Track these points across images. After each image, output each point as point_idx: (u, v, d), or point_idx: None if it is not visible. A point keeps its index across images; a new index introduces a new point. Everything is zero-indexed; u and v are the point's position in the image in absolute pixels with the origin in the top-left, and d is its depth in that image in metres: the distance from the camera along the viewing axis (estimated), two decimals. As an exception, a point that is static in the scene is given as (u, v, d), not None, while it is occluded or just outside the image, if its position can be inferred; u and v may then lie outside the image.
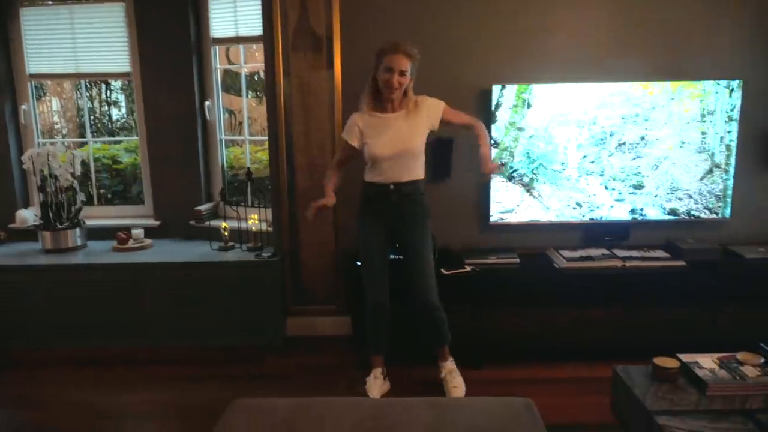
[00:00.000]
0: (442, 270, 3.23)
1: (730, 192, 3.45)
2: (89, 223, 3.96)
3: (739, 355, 2.29)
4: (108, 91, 5.51)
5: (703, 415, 1.98)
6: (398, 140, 2.75)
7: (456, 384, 2.90)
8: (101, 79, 4.83)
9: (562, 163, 3.41)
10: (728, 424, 1.92)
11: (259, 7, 3.44)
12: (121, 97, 5.43)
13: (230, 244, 3.70)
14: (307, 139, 3.47)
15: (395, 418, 1.91)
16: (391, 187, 2.79)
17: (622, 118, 3.37)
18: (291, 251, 3.57)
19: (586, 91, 3.35)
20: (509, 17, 3.41)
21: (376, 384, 2.93)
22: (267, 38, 3.39)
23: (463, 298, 3.16)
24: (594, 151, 3.40)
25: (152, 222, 4.03)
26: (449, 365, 2.96)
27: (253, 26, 3.69)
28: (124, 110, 5.41)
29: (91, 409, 2.92)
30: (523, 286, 3.23)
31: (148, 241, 3.82)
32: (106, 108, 5.62)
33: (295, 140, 3.47)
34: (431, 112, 2.81)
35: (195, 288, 3.49)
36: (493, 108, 3.34)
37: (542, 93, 3.33)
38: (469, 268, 3.25)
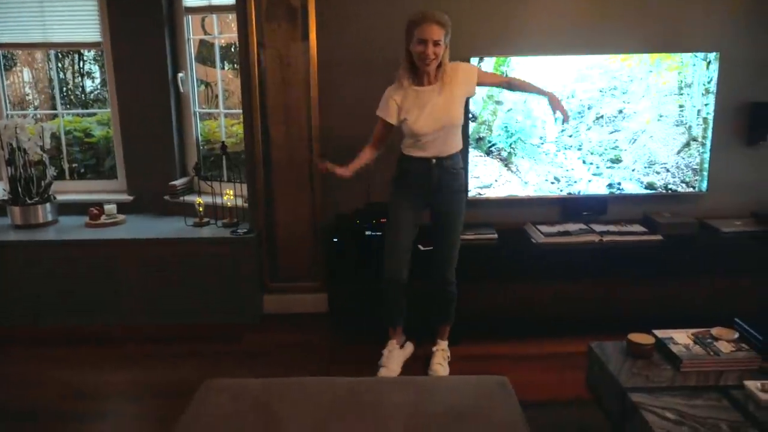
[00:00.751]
0: (420, 246, 3.20)
1: (706, 165, 3.45)
2: (60, 198, 3.86)
3: (714, 331, 2.30)
4: (81, 62, 5.35)
5: (677, 392, 1.99)
6: (438, 115, 2.66)
7: (440, 362, 2.93)
8: (71, 49, 4.68)
9: (541, 138, 3.38)
10: (702, 401, 1.93)
11: (232, -26, 3.33)
12: (95, 68, 5.28)
13: (205, 219, 3.63)
14: (282, 111, 3.40)
15: (370, 397, 1.90)
16: (433, 161, 2.71)
17: (600, 91, 3.34)
18: (267, 227, 3.52)
19: (564, 63, 3.31)
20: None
21: (392, 356, 2.93)
22: (240, 7, 3.29)
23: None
24: (572, 125, 3.37)
25: (125, 197, 3.95)
26: (444, 344, 2.99)
27: (227, -5, 3.58)
28: (98, 81, 5.27)
29: (68, 388, 2.87)
30: (501, 261, 3.22)
31: (120, 217, 3.74)
32: (80, 79, 5.46)
33: (271, 113, 3.40)
34: (467, 77, 2.72)
35: (169, 265, 3.43)
36: (471, 81, 3.29)
37: (520, 66, 3.28)
38: (446, 244, 3.22)
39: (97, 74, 5.24)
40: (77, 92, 5.38)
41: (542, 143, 3.39)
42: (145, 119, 3.85)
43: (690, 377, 2.09)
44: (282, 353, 3.18)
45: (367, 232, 3.21)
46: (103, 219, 3.68)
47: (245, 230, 3.48)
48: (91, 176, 4.36)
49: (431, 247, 2.97)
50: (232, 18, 3.85)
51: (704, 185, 3.48)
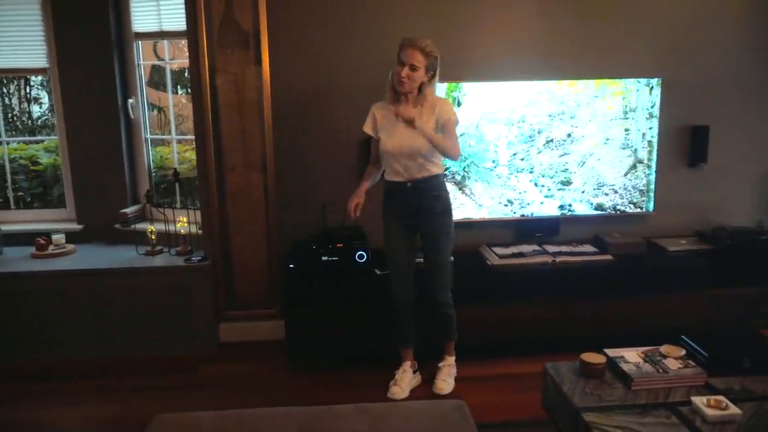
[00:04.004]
0: (376, 270, 3.21)
1: (652, 186, 3.57)
2: (5, 228, 3.73)
3: (663, 348, 2.37)
4: (27, 87, 5.22)
5: (628, 410, 2.03)
6: (406, 137, 2.71)
7: (445, 378, 2.97)
8: (16, 75, 4.56)
9: (493, 161, 3.44)
10: (652, 418, 1.97)
11: (183, 0, 3.31)
12: (43, 94, 5.15)
13: (158, 248, 3.55)
14: (236, 136, 3.37)
15: (327, 427, 1.88)
16: (408, 185, 2.76)
17: (549, 115, 3.44)
18: (222, 255, 3.46)
19: (514, 89, 3.39)
20: (441, 16, 3.41)
21: (405, 378, 2.96)
22: (191, 33, 3.27)
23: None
24: (523, 149, 3.45)
25: (74, 226, 3.82)
26: (449, 360, 3.03)
27: (178, 21, 3.55)
28: (45, 107, 5.14)
29: (12, 428, 2.75)
30: (457, 283, 3.23)
31: (69, 247, 3.63)
32: (26, 105, 5.32)
33: (224, 138, 3.37)
34: (438, 114, 2.73)
35: (121, 295, 3.33)
36: (424, 106, 3.34)
37: (472, 91, 3.35)
38: (403, 268, 3.24)
39: (45, 100, 5.12)
40: (23, 118, 5.23)
41: (495, 166, 3.45)
42: (94, 146, 3.76)
43: (640, 395, 2.14)
44: (239, 383, 3.11)
45: (324, 257, 3.20)
46: (50, 249, 3.56)
47: (200, 258, 3.42)
48: (38, 205, 4.23)
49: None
50: (185, 43, 3.83)
51: (651, 206, 3.59)
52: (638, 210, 3.60)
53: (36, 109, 5.28)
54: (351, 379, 3.06)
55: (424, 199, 2.78)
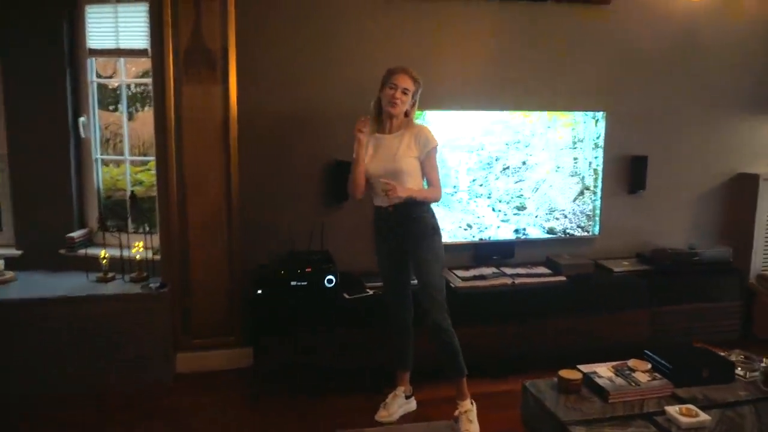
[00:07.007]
0: (345, 294, 3.23)
1: (598, 212, 3.81)
2: (-67, 254, 3.45)
3: (630, 363, 2.53)
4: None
5: (610, 422, 2.16)
6: (387, 159, 2.78)
7: (468, 428, 2.72)
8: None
9: (454, 187, 3.56)
10: (634, 428, 2.10)
11: (144, 18, 3.24)
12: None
13: (110, 274, 3.40)
14: (200, 158, 3.31)
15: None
16: (390, 209, 2.79)
17: (506, 144, 3.60)
18: (182, 281, 3.35)
19: (473, 118, 3.54)
20: (407, 49, 3.50)
21: (394, 401, 2.95)
22: (156, 52, 3.20)
23: (365, 321, 3.18)
24: (482, 175, 3.60)
25: (13, 251, 3.59)
26: (465, 404, 2.78)
27: (136, 38, 3.47)
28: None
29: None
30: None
31: (9, 274, 3.40)
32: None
33: (187, 159, 3.29)
34: (421, 141, 2.78)
35: (70, 325, 3.13)
36: (389, 132, 3.42)
37: (434, 119, 3.46)
38: (370, 292, 3.27)
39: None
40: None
41: (455, 192, 3.56)
42: (39, 166, 3.57)
43: (617, 407, 2.28)
44: (197, 415, 2.99)
45: (293, 282, 3.17)
46: (-11, 276, 3.33)
47: (158, 284, 3.30)
48: (-29, 229, 3.93)
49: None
50: (130, 61, 3.73)
51: (597, 229, 3.83)
52: (585, 233, 3.82)
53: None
54: (325, 408, 3.02)
55: (406, 222, 2.79)
